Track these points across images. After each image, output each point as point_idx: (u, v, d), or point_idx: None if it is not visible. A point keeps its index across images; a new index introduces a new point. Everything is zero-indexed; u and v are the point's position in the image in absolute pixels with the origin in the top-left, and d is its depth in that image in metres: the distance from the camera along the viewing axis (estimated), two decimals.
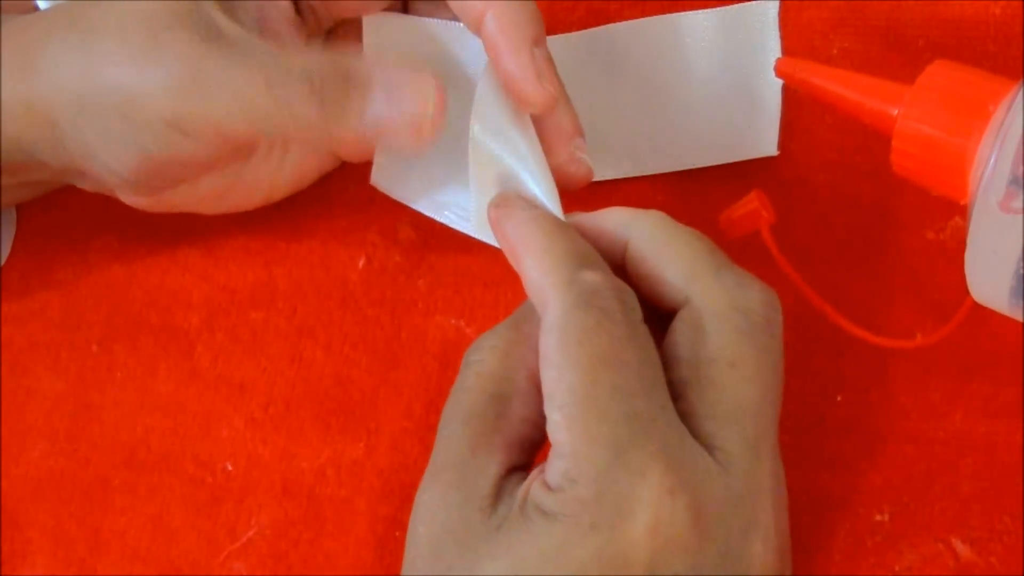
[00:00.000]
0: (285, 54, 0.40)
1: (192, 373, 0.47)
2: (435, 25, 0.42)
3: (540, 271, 0.35)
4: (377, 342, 0.46)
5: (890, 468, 0.40)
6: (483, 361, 0.36)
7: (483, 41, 0.40)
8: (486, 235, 0.40)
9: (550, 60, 0.40)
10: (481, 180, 0.40)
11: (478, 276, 0.46)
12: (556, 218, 0.37)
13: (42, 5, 0.54)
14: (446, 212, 0.43)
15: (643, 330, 0.34)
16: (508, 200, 0.38)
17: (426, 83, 0.39)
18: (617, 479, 0.32)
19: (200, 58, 0.39)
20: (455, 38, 0.42)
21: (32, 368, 0.48)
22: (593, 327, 0.33)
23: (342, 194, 0.48)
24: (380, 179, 0.45)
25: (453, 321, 0.45)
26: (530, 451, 0.36)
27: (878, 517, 0.39)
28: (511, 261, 0.37)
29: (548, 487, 0.33)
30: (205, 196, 0.45)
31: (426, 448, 0.43)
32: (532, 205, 0.38)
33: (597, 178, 0.46)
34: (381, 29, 0.43)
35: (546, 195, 0.39)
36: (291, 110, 0.39)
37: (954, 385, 0.40)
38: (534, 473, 0.34)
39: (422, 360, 0.45)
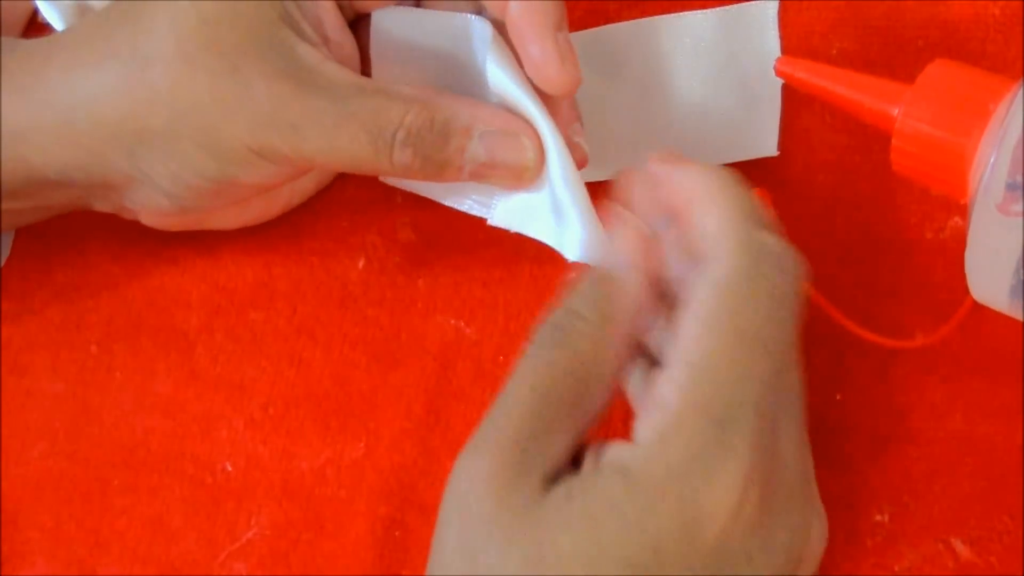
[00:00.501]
0: (379, 100, 0.40)
1: (192, 373, 0.47)
2: (442, 18, 0.43)
3: (720, 222, 0.35)
4: (377, 342, 0.46)
5: (890, 468, 0.40)
6: (572, 343, 0.35)
7: (508, 25, 0.40)
8: (510, 221, 0.41)
9: (571, 44, 0.41)
10: None
11: (478, 276, 0.46)
12: (731, 171, 0.37)
13: (42, 7, 0.54)
14: (467, 200, 0.44)
15: (793, 305, 0.34)
16: (673, 155, 0.37)
17: (524, 133, 0.40)
18: (713, 455, 0.32)
19: (289, 99, 0.39)
20: (461, 30, 0.42)
21: (32, 368, 0.48)
22: (752, 299, 0.33)
23: (342, 194, 0.48)
24: (391, 179, 0.46)
25: (453, 321, 0.45)
26: (584, 435, 0.35)
27: (878, 517, 0.39)
28: (670, 210, 0.36)
29: (633, 443, 0.33)
30: (231, 215, 0.45)
31: (426, 448, 0.43)
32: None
33: (597, 178, 0.46)
34: (388, 22, 0.43)
35: (567, 162, 0.40)
36: (391, 160, 0.40)
37: (954, 385, 0.40)
38: (597, 442, 0.34)
39: (422, 360, 0.45)
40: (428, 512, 0.43)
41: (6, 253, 0.50)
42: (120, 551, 0.45)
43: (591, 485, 0.33)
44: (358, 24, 0.44)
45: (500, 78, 0.41)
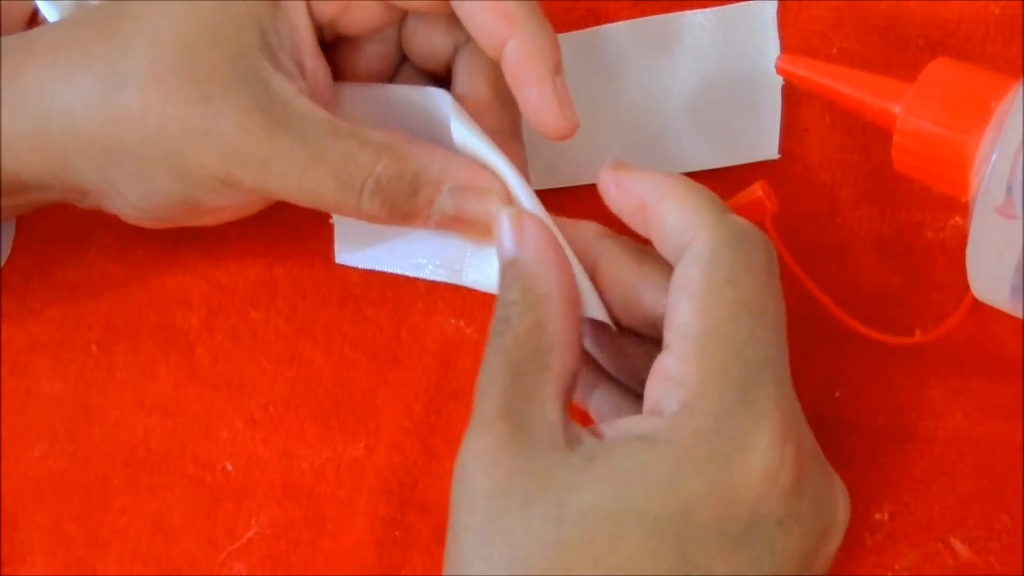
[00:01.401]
0: (350, 145, 0.39)
1: (192, 373, 0.47)
2: (406, 91, 0.42)
3: (685, 211, 0.35)
4: (377, 342, 0.46)
5: (890, 467, 0.40)
6: (515, 325, 0.36)
7: (505, 67, 0.40)
8: (482, 282, 0.41)
9: (567, 89, 0.40)
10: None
11: None
12: (683, 175, 0.37)
13: (42, 6, 0.54)
14: (428, 267, 0.43)
15: (777, 283, 0.35)
16: (623, 163, 0.38)
17: (493, 189, 0.40)
18: (740, 415, 0.32)
19: (258, 134, 0.39)
20: (426, 102, 0.42)
21: (32, 368, 0.48)
22: (742, 270, 0.34)
23: None
24: (345, 257, 0.45)
25: (453, 321, 0.45)
26: (570, 398, 0.36)
27: (877, 516, 0.39)
28: (631, 219, 0.37)
29: (656, 414, 0.33)
30: (209, 218, 0.45)
31: (426, 448, 0.43)
32: None
33: (595, 180, 0.46)
34: (356, 99, 0.43)
35: (539, 211, 0.39)
36: (358, 206, 0.39)
37: (954, 384, 0.40)
38: (601, 422, 0.35)
39: (422, 360, 0.45)
40: (428, 512, 0.43)
41: (6, 253, 0.50)
42: (120, 551, 0.45)
43: (614, 448, 0.33)
44: (335, 47, 0.44)
45: (464, 135, 0.40)
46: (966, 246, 0.35)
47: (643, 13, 0.48)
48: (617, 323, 0.38)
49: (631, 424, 0.34)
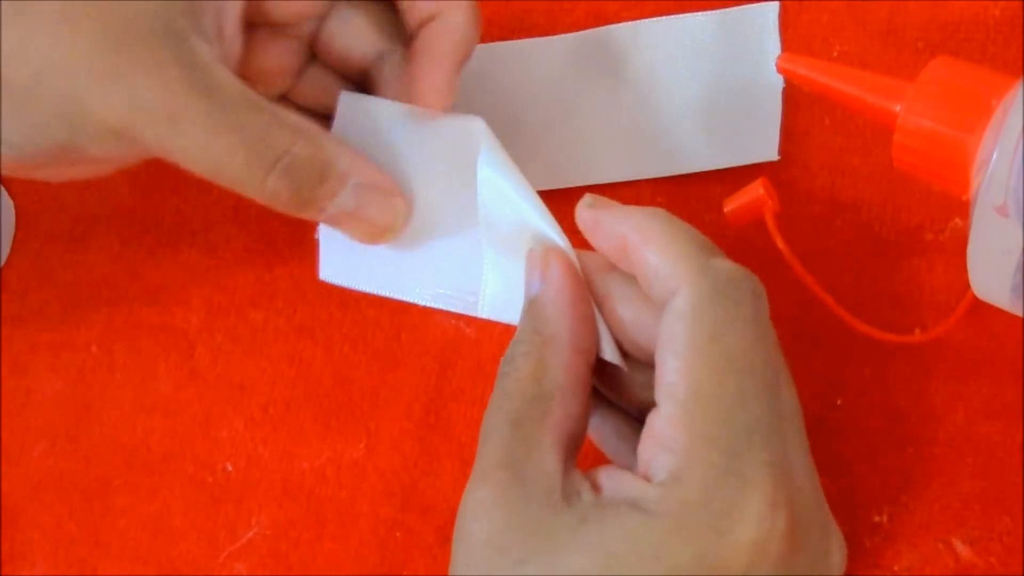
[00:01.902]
0: (268, 120, 0.38)
1: (192, 373, 0.47)
2: (408, 111, 0.42)
3: (668, 257, 0.34)
4: (377, 342, 0.46)
5: (889, 469, 0.40)
6: (518, 368, 0.35)
7: (419, 38, 0.40)
8: (499, 314, 0.40)
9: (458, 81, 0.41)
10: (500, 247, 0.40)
11: None
12: (666, 211, 0.36)
13: None
14: (439, 296, 0.42)
15: (769, 326, 0.34)
16: (601, 200, 0.37)
17: (397, 198, 0.40)
18: (728, 485, 0.31)
19: (175, 94, 0.37)
20: (427, 124, 0.41)
21: (32, 368, 0.48)
22: (727, 322, 0.33)
23: None
24: (330, 273, 0.44)
25: (453, 321, 0.45)
26: (576, 446, 0.35)
27: (877, 518, 0.39)
28: (614, 258, 0.36)
29: (646, 480, 0.32)
30: (84, 172, 0.43)
31: (426, 448, 0.43)
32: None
33: (598, 180, 0.46)
34: (354, 108, 0.42)
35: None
36: (263, 183, 0.38)
37: (954, 386, 0.40)
38: (604, 468, 0.34)
39: (422, 360, 0.45)
40: (428, 512, 0.43)
41: (6, 253, 0.50)
42: (120, 551, 0.45)
43: (606, 512, 0.32)
44: (255, 32, 0.43)
45: (494, 163, 0.39)
46: (966, 247, 0.35)
47: (644, 14, 0.48)
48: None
49: (625, 485, 0.33)
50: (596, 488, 0.33)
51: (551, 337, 0.35)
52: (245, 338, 0.47)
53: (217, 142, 0.37)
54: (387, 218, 0.40)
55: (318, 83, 0.45)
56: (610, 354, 0.36)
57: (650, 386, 0.35)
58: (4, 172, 0.42)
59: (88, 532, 0.45)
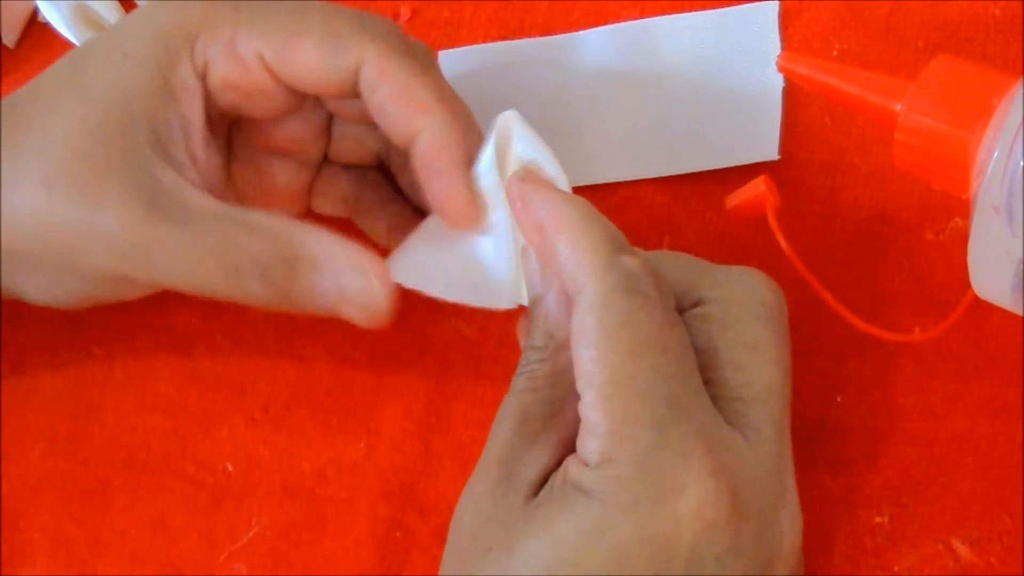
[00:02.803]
0: (232, 227, 0.39)
1: (192, 373, 0.47)
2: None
3: (577, 250, 0.35)
4: (377, 342, 0.46)
5: (890, 469, 0.40)
6: (534, 370, 0.36)
7: (413, 157, 0.40)
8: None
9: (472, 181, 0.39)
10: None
11: None
12: (587, 202, 0.36)
13: (42, 6, 0.54)
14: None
15: (677, 317, 0.35)
16: (534, 176, 0.37)
17: (373, 271, 0.39)
18: (660, 459, 0.32)
19: (142, 227, 0.39)
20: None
21: (32, 368, 0.48)
22: (636, 310, 0.33)
23: None
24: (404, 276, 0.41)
25: (453, 321, 0.45)
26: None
27: (878, 519, 0.39)
28: (531, 236, 0.37)
29: (585, 464, 0.33)
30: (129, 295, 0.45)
31: (426, 448, 0.43)
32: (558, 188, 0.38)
33: (598, 180, 0.46)
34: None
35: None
36: (241, 289, 0.39)
37: (954, 386, 0.40)
38: (570, 456, 0.34)
39: (422, 360, 0.45)
40: (429, 512, 0.43)
41: None
42: (120, 551, 0.45)
43: (555, 497, 0.33)
44: (235, 128, 0.44)
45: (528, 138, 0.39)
46: (966, 247, 0.35)
47: (644, 14, 0.48)
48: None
49: (572, 471, 0.33)
50: (562, 474, 0.34)
51: (565, 342, 0.35)
52: (245, 338, 0.47)
53: (191, 265, 0.39)
54: (367, 297, 0.39)
55: (336, 181, 0.46)
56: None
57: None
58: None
59: (88, 532, 0.45)
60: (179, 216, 0.39)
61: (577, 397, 0.34)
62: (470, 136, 0.40)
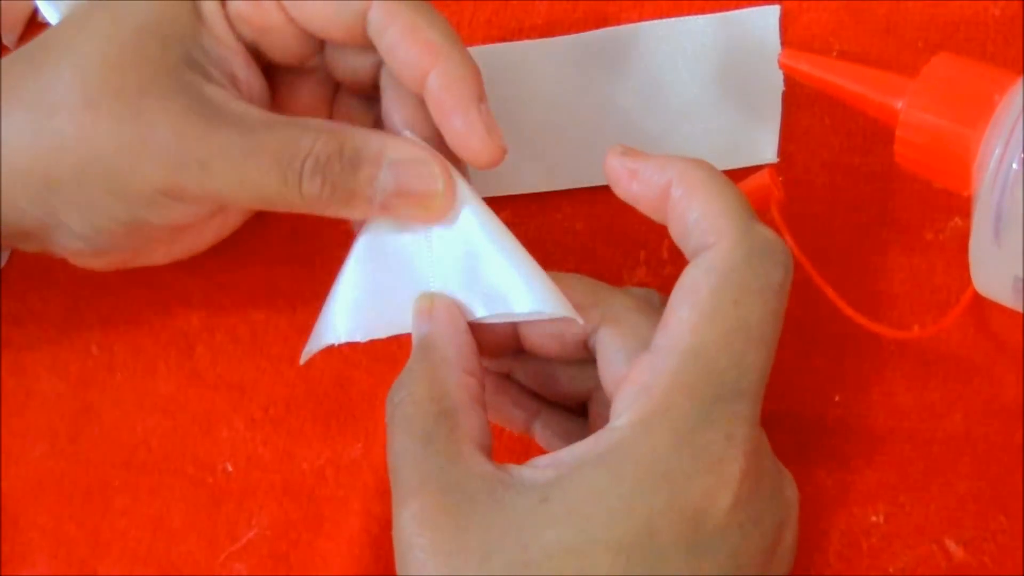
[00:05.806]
0: (288, 130, 0.39)
1: (192, 373, 0.47)
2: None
3: (712, 213, 0.34)
4: (377, 342, 0.45)
5: (886, 468, 0.40)
6: (413, 392, 0.36)
7: (428, 100, 0.40)
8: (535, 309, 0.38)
9: (492, 116, 0.40)
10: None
11: None
12: (713, 167, 0.36)
13: (42, 6, 0.54)
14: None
15: (785, 303, 0.34)
16: (635, 150, 0.37)
17: (434, 161, 0.39)
18: (702, 434, 0.32)
19: (195, 135, 0.39)
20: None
21: (32, 368, 0.48)
22: (753, 292, 0.33)
23: None
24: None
25: None
26: (488, 455, 0.35)
27: (873, 518, 0.39)
28: (648, 208, 0.36)
29: (609, 428, 0.33)
30: (158, 253, 0.45)
31: None
32: None
33: (598, 182, 0.46)
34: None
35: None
36: (300, 190, 0.39)
37: (953, 385, 0.40)
38: (538, 457, 0.34)
39: None
40: None
41: (6, 253, 0.50)
42: (120, 551, 0.45)
43: (570, 481, 0.32)
44: (272, 74, 0.44)
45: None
46: (966, 246, 0.35)
47: (644, 16, 0.48)
48: (546, 353, 0.38)
49: (583, 450, 0.33)
50: (549, 467, 0.33)
51: (441, 361, 0.36)
52: (245, 338, 0.47)
53: (248, 168, 0.39)
54: (428, 186, 0.39)
55: (349, 107, 0.45)
56: (564, 310, 0.36)
57: (580, 378, 0.37)
58: (97, 267, 0.45)
59: (88, 532, 0.45)
60: (231, 123, 0.39)
61: (466, 407, 0.35)
62: (477, 75, 0.40)
